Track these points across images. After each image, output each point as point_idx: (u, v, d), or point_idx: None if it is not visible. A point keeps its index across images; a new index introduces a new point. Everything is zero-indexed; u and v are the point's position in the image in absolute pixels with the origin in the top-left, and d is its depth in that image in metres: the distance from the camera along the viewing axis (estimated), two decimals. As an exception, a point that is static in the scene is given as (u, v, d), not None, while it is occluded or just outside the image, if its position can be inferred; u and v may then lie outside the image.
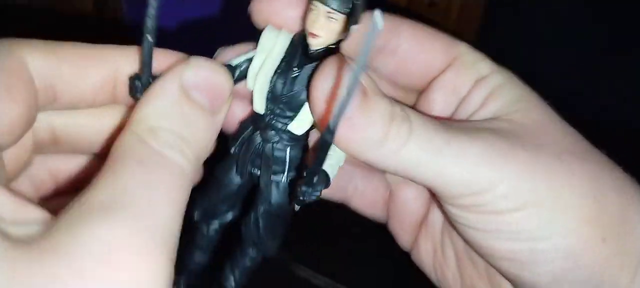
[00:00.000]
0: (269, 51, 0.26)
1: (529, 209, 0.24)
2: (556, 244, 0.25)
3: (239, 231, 0.31)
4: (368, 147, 0.24)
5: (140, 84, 0.23)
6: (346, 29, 0.24)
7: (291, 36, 0.26)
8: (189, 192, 0.21)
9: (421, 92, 0.30)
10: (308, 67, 0.25)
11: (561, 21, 0.74)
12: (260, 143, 0.27)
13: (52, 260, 0.17)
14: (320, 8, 0.24)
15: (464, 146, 0.24)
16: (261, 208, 0.28)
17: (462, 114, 0.29)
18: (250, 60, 0.26)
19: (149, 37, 0.22)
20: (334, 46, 0.25)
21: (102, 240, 0.17)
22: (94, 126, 0.26)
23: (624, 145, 0.30)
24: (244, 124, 0.28)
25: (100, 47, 0.25)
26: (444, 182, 0.25)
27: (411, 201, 0.33)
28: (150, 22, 0.21)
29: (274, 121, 0.26)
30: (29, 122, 0.23)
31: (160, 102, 0.22)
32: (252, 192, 0.30)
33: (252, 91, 0.26)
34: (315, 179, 0.24)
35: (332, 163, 0.26)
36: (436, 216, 0.33)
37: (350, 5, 0.24)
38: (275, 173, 0.27)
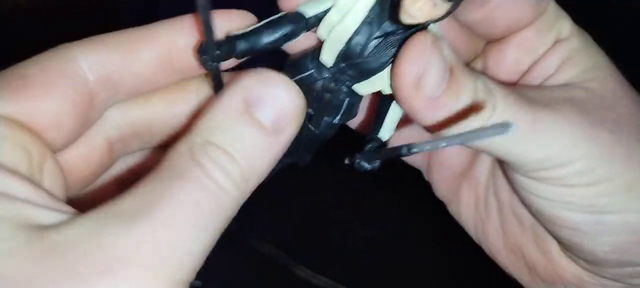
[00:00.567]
0: (350, 7, 0.24)
1: (603, 185, 0.24)
2: (625, 219, 0.25)
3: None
4: (449, 125, 0.23)
5: (207, 56, 0.22)
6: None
7: None
8: (229, 215, 0.20)
9: (490, 41, 0.29)
10: (393, 39, 0.24)
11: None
12: (319, 91, 0.26)
13: (56, 257, 0.17)
14: None
15: (546, 126, 0.24)
16: (304, 130, 0.26)
17: (535, 75, 0.28)
18: (327, 11, 0.24)
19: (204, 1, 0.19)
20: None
21: (108, 246, 0.18)
22: (170, 112, 0.25)
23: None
24: (302, 61, 0.26)
25: (147, 26, 0.24)
26: (522, 159, 0.24)
27: (455, 152, 0.32)
28: None
29: (339, 75, 0.25)
30: (82, 119, 0.23)
31: (218, 115, 0.21)
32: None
33: (323, 40, 0.25)
34: (373, 155, 0.23)
35: (391, 124, 0.25)
36: (481, 169, 0.32)
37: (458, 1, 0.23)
38: (328, 115, 0.26)
